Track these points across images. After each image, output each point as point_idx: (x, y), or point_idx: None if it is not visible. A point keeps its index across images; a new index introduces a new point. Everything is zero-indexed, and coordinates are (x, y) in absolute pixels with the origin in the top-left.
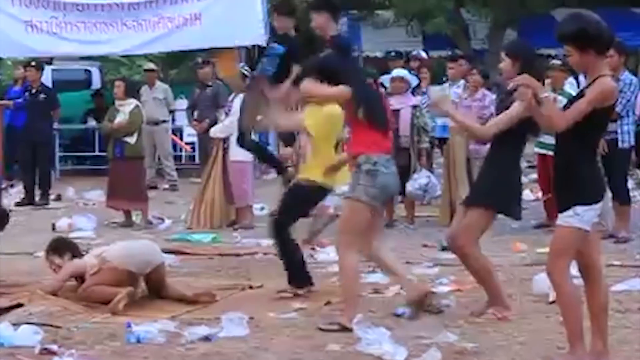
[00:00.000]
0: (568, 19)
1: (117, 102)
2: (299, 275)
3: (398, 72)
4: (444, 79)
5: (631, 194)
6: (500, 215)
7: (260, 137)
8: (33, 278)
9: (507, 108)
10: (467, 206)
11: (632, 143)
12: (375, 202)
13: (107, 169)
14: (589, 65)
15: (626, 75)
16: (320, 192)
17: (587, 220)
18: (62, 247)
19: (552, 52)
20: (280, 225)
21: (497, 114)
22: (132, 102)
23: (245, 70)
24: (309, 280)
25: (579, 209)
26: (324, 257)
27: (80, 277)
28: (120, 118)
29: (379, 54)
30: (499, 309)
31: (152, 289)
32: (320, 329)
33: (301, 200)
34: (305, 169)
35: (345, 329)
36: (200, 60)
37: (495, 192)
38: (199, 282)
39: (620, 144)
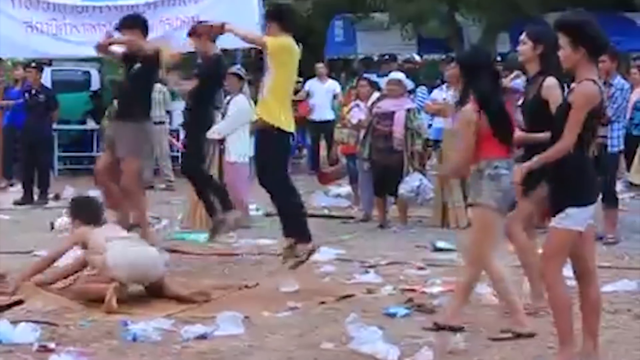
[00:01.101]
0: (571, 13)
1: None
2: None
3: (395, 75)
4: (439, 81)
5: (620, 196)
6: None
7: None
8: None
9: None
10: None
11: (621, 148)
12: (502, 206)
13: None
14: (578, 64)
15: (618, 80)
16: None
17: (579, 222)
18: (74, 210)
19: None
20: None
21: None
22: None
23: (241, 71)
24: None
25: (571, 210)
26: (316, 257)
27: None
28: None
29: (374, 57)
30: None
31: (150, 290)
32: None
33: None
34: (266, 109)
35: None
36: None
37: None
38: (194, 282)
39: (609, 148)
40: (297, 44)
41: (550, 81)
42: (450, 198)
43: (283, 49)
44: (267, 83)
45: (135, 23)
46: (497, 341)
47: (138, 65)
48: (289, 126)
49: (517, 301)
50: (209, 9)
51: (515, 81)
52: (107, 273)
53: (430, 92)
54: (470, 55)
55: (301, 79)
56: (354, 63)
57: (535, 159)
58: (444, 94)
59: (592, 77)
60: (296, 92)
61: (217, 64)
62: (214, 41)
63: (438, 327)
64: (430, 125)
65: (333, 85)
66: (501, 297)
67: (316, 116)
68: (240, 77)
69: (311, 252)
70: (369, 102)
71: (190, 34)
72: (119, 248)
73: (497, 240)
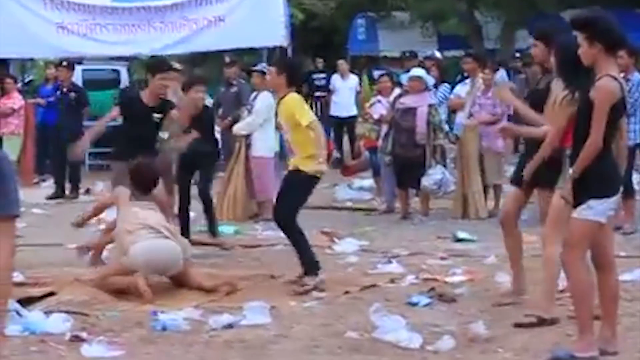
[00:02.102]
0: (586, 10)
1: None
2: (314, 261)
3: (416, 71)
4: (459, 77)
5: (638, 187)
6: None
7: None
8: (63, 268)
9: (540, 99)
10: None
11: (637, 141)
12: None
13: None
14: (596, 59)
15: (636, 76)
16: (313, 180)
17: (601, 213)
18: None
19: None
20: (287, 217)
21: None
22: None
23: (266, 69)
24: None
25: (593, 202)
26: (341, 248)
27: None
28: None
29: (395, 54)
30: None
31: (175, 281)
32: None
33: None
34: (300, 161)
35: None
36: (227, 59)
37: None
38: (222, 272)
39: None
40: (320, 45)
41: None
42: (470, 190)
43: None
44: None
45: None
46: (521, 327)
47: None
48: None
49: (554, 290)
50: (235, 9)
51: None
52: (128, 262)
53: (452, 88)
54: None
55: (324, 75)
56: (377, 60)
57: (573, 168)
58: (467, 89)
59: (611, 73)
60: (317, 87)
61: None
62: None
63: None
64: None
65: (355, 81)
66: (546, 279)
67: (339, 112)
68: (264, 74)
69: (319, 286)
70: (391, 98)
71: None
72: (139, 245)
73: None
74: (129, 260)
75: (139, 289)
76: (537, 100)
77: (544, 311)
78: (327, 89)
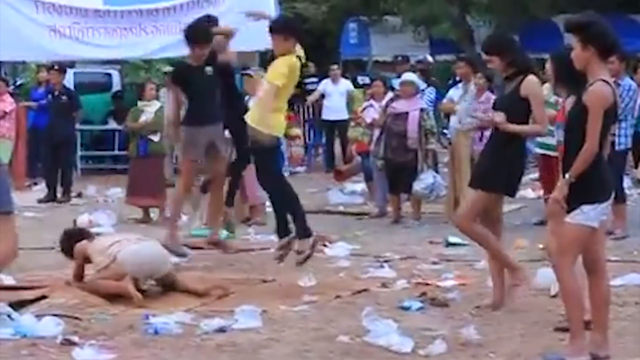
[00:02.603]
0: (582, 14)
1: (141, 103)
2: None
3: (408, 76)
4: (451, 81)
5: (628, 192)
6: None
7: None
8: (54, 272)
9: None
10: None
11: (629, 146)
12: None
13: (127, 167)
14: (589, 63)
15: (626, 81)
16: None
17: (593, 218)
18: (64, 242)
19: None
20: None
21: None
22: (157, 103)
23: (260, 74)
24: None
25: (586, 207)
26: (332, 252)
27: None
28: (145, 117)
29: (387, 58)
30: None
31: (163, 285)
32: None
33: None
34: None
35: None
36: None
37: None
38: (214, 276)
39: (617, 147)
40: (311, 48)
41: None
42: (462, 194)
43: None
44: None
45: None
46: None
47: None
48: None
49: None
50: (227, 12)
51: None
52: (117, 268)
53: (438, 92)
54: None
55: (317, 79)
56: (368, 64)
57: (568, 174)
58: (461, 93)
59: (604, 78)
60: (309, 91)
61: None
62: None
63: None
64: None
65: (346, 86)
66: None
67: (330, 116)
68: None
69: (314, 244)
70: (383, 102)
71: None
72: (127, 249)
73: None
74: (118, 266)
75: (129, 293)
76: (504, 105)
77: None
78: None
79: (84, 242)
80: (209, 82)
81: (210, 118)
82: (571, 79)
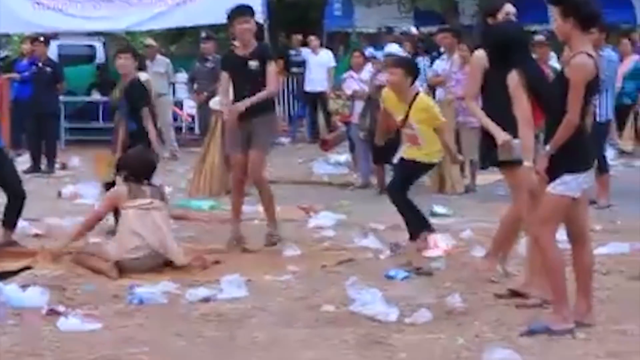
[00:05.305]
0: None
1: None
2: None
3: (391, 48)
4: (436, 52)
5: (613, 163)
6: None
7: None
8: (40, 242)
9: None
10: None
11: (610, 117)
12: None
13: (110, 139)
14: (570, 36)
15: (607, 52)
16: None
17: (575, 188)
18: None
19: (538, 27)
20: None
21: None
22: (142, 75)
23: None
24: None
25: (567, 177)
26: (317, 222)
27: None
28: None
29: (371, 30)
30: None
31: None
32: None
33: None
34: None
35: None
36: (203, 35)
37: None
38: (198, 247)
39: (598, 118)
40: (296, 21)
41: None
42: (446, 165)
43: None
44: None
45: None
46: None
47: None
48: None
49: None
50: None
51: None
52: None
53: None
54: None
55: (301, 50)
56: (352, 36)
57: (549, 145)
58: (445, 65)
59: (586, 50)
60: (293, 64)
61: None
62: None
63: None
64: None
65: (326, 57)
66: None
67: (312, 87)
68: None
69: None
70: (362, 73)
71: None
72: (133, 215)
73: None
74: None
75: (108, 271)
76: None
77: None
78: (304, 64)
79: (125, 193)
80: None
81: None
82: (501, 56)
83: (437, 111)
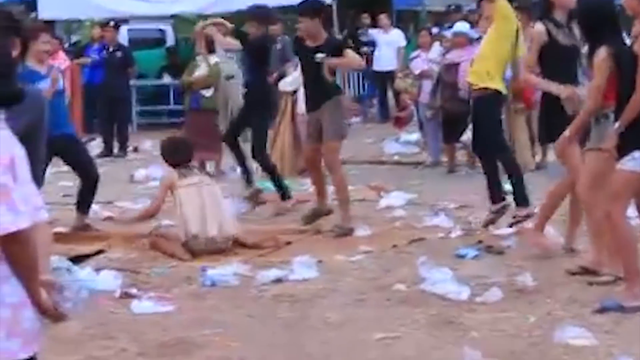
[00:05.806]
0: None
1: (198, 57)
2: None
3: (460, 26)
4: None
5: None
6: None
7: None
8: (112, 226)
9: None
10: None
11: None
12: None
13: (182, 122)
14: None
15: None
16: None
17: None
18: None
19: None
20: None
21: None
22: (213, 57)
23: None
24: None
25: (636, 153)
26: (388, 202)
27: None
28: (201, 71)
29: (441, 8)
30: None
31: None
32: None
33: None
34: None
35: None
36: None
37: None
38: (270, 228)
39: None
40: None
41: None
42: (517, 142)
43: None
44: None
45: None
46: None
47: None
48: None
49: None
50: None
51: None
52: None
53: None
54: None
55: (368, 31)
56: (421, 14)
57: (619, 122)
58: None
59: None
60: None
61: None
62: None
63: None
64: None
65: (397, 36)
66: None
67: (381, 66)
68: None
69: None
70: (431, 53)
71: None
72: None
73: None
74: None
75: (178, 254)
76: None
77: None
78: (373, 44)
79: (175, 174)
80: None
81: None
82: (594, 31)
83: None
